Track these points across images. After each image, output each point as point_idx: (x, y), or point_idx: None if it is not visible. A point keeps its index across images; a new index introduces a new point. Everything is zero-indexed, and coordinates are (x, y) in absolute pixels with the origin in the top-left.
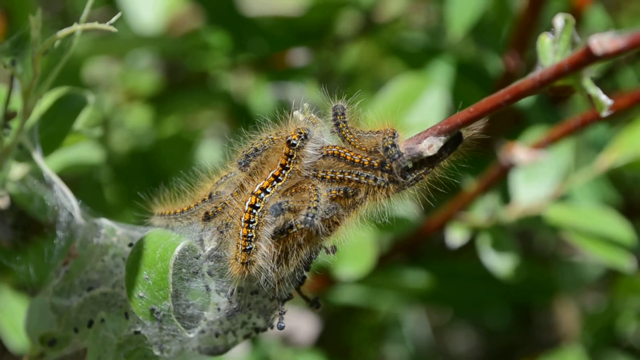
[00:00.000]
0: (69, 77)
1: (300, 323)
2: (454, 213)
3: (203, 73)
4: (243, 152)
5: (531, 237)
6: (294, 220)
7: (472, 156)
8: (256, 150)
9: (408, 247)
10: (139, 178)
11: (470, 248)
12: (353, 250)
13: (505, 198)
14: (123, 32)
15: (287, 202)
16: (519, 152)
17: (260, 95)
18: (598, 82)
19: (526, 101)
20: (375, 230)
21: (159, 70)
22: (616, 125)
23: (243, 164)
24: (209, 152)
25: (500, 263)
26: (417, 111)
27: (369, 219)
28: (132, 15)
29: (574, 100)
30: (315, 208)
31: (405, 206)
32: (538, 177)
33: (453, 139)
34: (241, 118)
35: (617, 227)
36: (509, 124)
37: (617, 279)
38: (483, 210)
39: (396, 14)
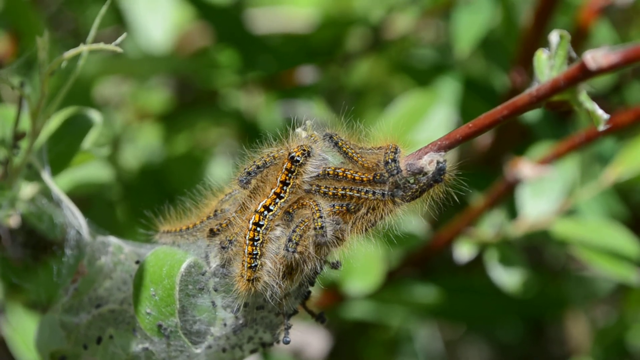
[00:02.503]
0: (80, 97)
1: (310, 338)
2: (461, 228)
3: (213, 91)
4: (244, 169)
5: (541, 251)
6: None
7: (480, 171)
8: (257, 167)
9: (417, 262)
10: (149, 196)
11: (481, 263)
12: (361, 265)
13: (513, 213)
14: (133, 51)
15: (297, 244)
16: (525, 167)
17: (269, 112)
18: (604, 96)
19: (533, 117)
20: (383, 246)
21: (169, 88)
22: (623, 140)
23: (244, 182)
24: (218, 170)
25: (508, 278)
26: (424, 127)
27: (377, 235)
28: (141, 34)
29: (579, 115)
30: (322, 227)
31: (413, 222)
32: (545, 192)
33: (438, 170)
34: (251, 135)
35: (624, 241)
36: (516, 139)
37: (627, 292)
38: (490, 226)
39: (405, 31)
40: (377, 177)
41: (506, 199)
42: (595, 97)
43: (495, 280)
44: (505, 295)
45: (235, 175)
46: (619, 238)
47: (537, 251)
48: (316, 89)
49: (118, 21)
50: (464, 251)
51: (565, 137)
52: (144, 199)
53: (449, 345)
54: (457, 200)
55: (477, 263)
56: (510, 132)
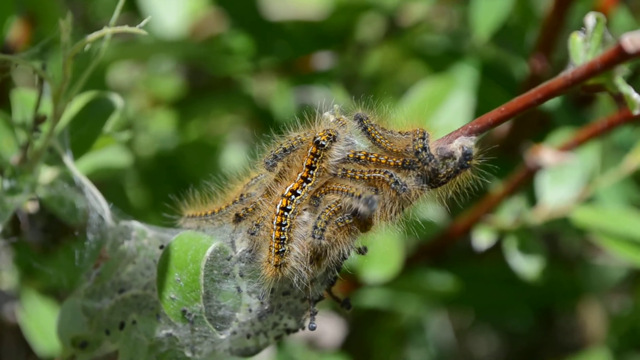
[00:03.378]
0: (96, 82)
1: (325, 326)
2: (480, 216)
3: (226, 78)
4: (271, 152)
5: (556, 239)
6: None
7: (499, 159)
8: (284, 150)
9: (434, 250)
10: (163, 182)
11: (494, 251)
12: (381, 253)
13: (532, 200)
14: (146, 36)
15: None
16: (546, 154)
17: (283, 99)
18: (627, 82)
19: (552, 104)
20: (402, 234)
21: (182, 74)
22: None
23: (270, 164)
24: (231, 157)
25: (527, 266)
26: (442, 114)
27: (400, 222)
28: (155, 20)
29: (599, 102)
30: (359, 197)
31: (432, 209)
32: (564, 179)
33: (464, 155)
34: (264, 122)
35: None
36: (534, 126)
37: None
38: (509, 213)
39: (419, 18)
40: (407, 164)
41: (526, 186)
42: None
43: (514, 268)
44: (518, 283)
45: (262, 157)
46: (639, 226)
47: (552, 239)
48: (332, 75)
49: (131, 8)
50: (482, 238)
51: (584, 124)
52: (157, 184)
53: (459, 335)
54: (478, 187)
55: (491, 251)
56: (529, 119)
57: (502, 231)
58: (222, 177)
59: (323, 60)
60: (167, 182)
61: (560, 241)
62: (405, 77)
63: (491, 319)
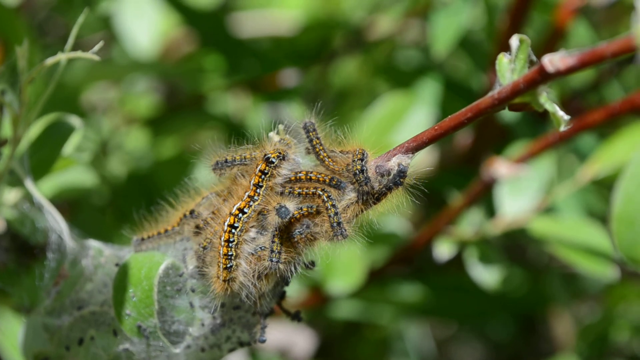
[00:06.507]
0: (66, 103)
1: (296, 338)
2: (441, 227)
3: (200, 95)
4: (215, 158)
5: (524, 249)
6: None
7: (460, 170)
8: (226, 161)
9: (401, 261)
10: (136, 200)
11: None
12: (342, 265)
13: (491, 211)
14: (120, 56)
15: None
16: (500, 166)
17: (256, 115)
18: (582, 94)
19: (511, 117)
20: (363, 246)
21: (156, 93)
22: (603, 137)
23: (217, 168)
24: (205, 173)
25: (487, 275)
26: (403, 129)
27: (356, 234)
28: (128, 41)
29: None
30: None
31: (394, 221)
32: (522, 190)
33: (399, 173)
34: (238, 138)
35: (601, 237)
36: (496, 138)
37: (611, 289)
38: (469, 224)
39: (387, 32)
40: (334, 182)
41: (485, 197)
42: (574, 95)
43: (474, 278)
44: (491, 292)
45: (210, 160)
46: (596, 235)
47: (521, 249)
48: (299, 92)
49: (105, 27)
50: (443, 250)
51: (543, 135)
52: (130, 203)
53: (441, 344)
54: (439, 198)
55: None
56: (490, 131)
57: (463, 242)
58: (176, 195)
59: (290, 77)
60: (141, 200)
61: (528, 251)
62: (378, 91)
63: (473, 328)
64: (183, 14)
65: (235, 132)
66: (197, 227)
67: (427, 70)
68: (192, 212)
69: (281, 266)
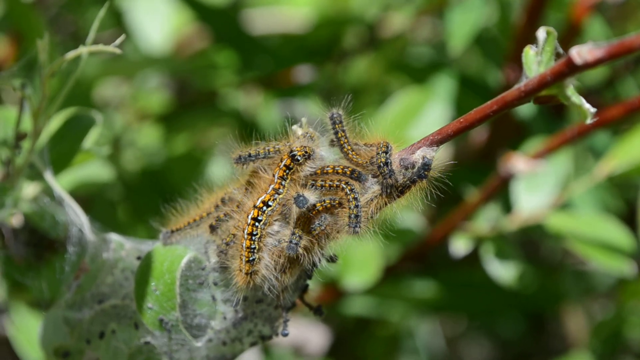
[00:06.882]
0: (80, 98)
1: (310, 334)
2: (457, 223)
3: (212, 91)
4: (247, 151)
5: (538, 246)
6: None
7: (475, 166)
8: (249, 155)
9: (415, 257)
10: (150, 195)
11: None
12: (359, 261)
13: (508, 207)
14: (132, 53)
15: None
16: (518, 162)
17: (268, 112)
18: (597, 91)
19: (527, 112)
20: (380, 242)
21: (168, 89)
22: (618, 134)
23: (241, 161)
24: (218, 169)
25: (503, 271)
26: (419, 124)
27: (374, 230)
28: (140, 37)
29: (571, 110)
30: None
31: (410, 217)
32: (538, 186)
33: (423, 166)
34: (250, 134)
35: (617, 233)
36: (511, 134)
37: (624, 285)
38: (486, 220)
39: (400, 29)
40: (355, 175)
41: (501, 193)
42: (588, 92)
43: (490, 274)
44: (503, 289)
45: (235, 153)
46: (613, 231)
47: (534, 245)
48: (313, 88)
49: (117, 24)
50: (459, 246)
51: (559, 131)
52: (144, 198)
53: (451, 341)
54: (453, 194)
55: (478, 257)
56: (506, 127)
57: (479, 238)
58: (198, 191)
59: (304, 73)
60: (154, 195)
61: (542, 247)
62: (392, 87)
63: (483, 325)
64: (196, 10)
65: (248, 128)
66: (211, 226)
67: (441, 67)
68: (216, 206)
69: (300, 250)
